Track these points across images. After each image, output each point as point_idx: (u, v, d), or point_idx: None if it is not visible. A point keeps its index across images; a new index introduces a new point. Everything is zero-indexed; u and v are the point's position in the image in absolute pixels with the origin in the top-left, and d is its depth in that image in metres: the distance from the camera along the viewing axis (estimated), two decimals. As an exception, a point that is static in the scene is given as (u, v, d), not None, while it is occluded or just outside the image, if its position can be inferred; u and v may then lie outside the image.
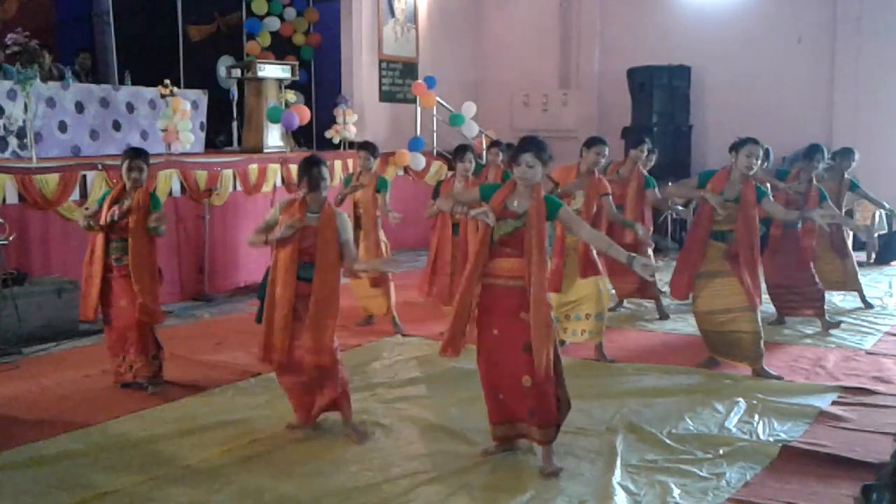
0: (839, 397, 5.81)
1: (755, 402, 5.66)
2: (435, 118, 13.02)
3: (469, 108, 12.52)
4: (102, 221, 5.89)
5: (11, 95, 8.85)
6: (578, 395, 5.76)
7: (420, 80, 12.83)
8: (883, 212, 11.34)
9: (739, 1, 13.25)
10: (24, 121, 8.58)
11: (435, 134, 13.04)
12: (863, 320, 8.09)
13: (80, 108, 9.77)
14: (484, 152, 11.34)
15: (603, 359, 6.73)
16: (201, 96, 11.11)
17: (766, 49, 12.97)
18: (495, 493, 4.33)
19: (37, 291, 7.38)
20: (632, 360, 6.78)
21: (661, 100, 13.16)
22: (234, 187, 9.69)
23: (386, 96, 13.73)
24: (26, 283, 7.40)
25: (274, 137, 11.12)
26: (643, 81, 13.18)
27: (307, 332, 4.98)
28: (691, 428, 5.25)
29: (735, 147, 6.17)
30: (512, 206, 4.60)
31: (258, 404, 5.71)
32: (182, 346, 7.01)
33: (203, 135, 11.08)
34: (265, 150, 10.87)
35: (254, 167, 9.93)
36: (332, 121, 11.94)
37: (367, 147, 7.98)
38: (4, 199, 7.58)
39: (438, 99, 12.67)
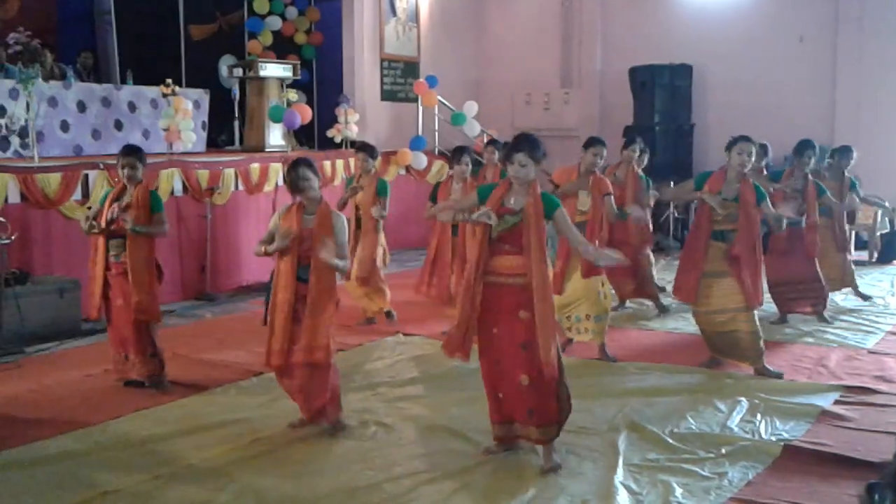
0: (841, 396, 5.80)
1: (757, 401, 5.65)
2: (436, 117, 13.02)
3: (471, 108, 12.52)
4: (103, 220, 5.90)
5: (13, 95, 8.86)
6: (581, 395, 5.76)
7: (422, 80, 12.83)
8: (883, 211, 11.35)
9: (741, 0, 13.23)
10: (25, 120, 8.59)
11: (436, 133, 13.04)
12: (865, 319, 8.08)
13: (81, 107, 9.78)
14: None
15: (606, 358, 6.73)
16: (203, 95, 11.12)
17: (768, 48, 12.97)
18: (497, 493, 4.33)
19: (39, 291, 7.38)
20: (634, 359, 6.78)
21: (662, 99, 13.16)
22: (236, 186, 9.69)
23: (387, 95, 13.74)
24: (28, 282, 7.40)
25: (276, 137, 11.13)
26: (645, 80, 13.18)
27: (303, 331, 5.00)
28: (693, 427, 5.25)
29: (728, 146, 6.19)
30: (509, 203, 4.61)
31: (260, 403, 5.71)
32: (184, 346, 7.02)
33: (205, 134, 11.10)
34: (267, 150, 10.88)
35: (255, 166, 9.94)
36: (334, 120, 11.94)
37: (366, 149, 7.98)
38: (6, 199, 7.58)
39: (440, 98, 12.67)
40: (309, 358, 5.01)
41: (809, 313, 7.91)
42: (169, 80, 10.04)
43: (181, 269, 9.10)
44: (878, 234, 11.36)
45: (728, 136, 6.33)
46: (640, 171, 8.36)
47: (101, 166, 8.24)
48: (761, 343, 6.31)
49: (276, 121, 10.89)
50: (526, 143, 4.60)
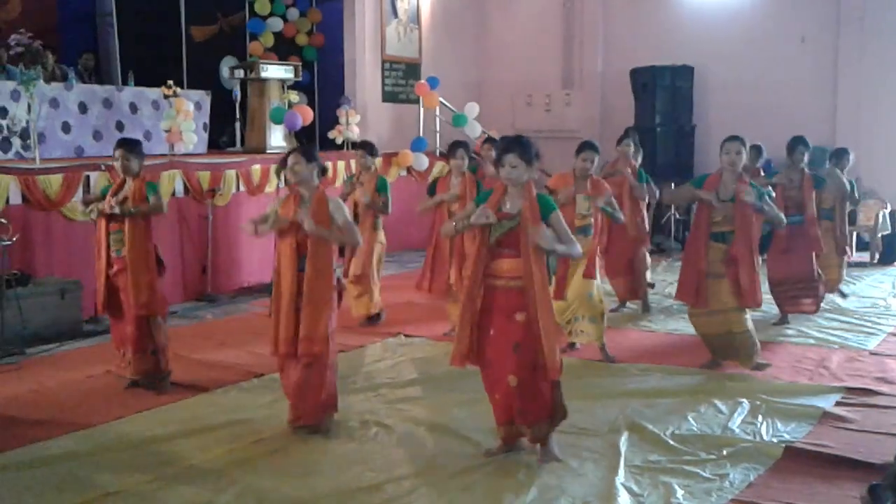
0: (843, 398, 5.79)
1: (758, 402, 5.65)
2: (438, 118, 13.02)
3: (472, 109, 12.52)
4: (104, 209, 5.93)
5: (15, 96, 8.86)
6: (582, 396, 5.78)
7: (423, 81, 12.83)
8: (886, 212, 11.37)
9: (742, 1, 13.24)
10: (27, 121, 8.59)
11: (438, 134, 13.03)
12: (866, 321, 8.08)
13: (83, 108, 9.79)
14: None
15: (606, 358, 6.74)
16: (204, 97, 11.12)
17: (770, 49, 12.96)
18: (498, 494, 4.32)
19: (40, 292, 7.39)
20: (635, 360, 6.77)
21: (664, 100, 13.16)
22: (237, 188, 9.70)
23: (389, 97, 13.74)
24: (30, 283, 7.40)
25: (277, 138, 11.13)
26: (646, 81, 13.18)
27: (301, 320, 5.01)
28: (694, 429, 5.25)
29: (720, 148, 6.23)
30: (505, 207, 4.61)
31: (261, 404, 5.71)
32: (185, 347, 7.01)
33: (206, 135, 11.10)
34: (268, 151, 10.89)
35: (257, 168, 9.94)
36: (335, 121, 11.95)
37: (365, 146, 8.03)
38: (8, 200, 7.58)
39: (441, 99, 12.67)
40: (308, 348, 5.01)
41: (810, 311, 7.90)
42: (170, 82, 10.04)
43: (182, 270, 9.10)
44: (880, 235, 11.37)
45: (729, 137, 6.36)
46: (636, 165, 8.37)
47: (103, 167, 8.24)
48: (756, 344, 6.33)
49: (278, 122, 10.90)
50: (516, 145, 4.60)
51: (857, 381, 6.17)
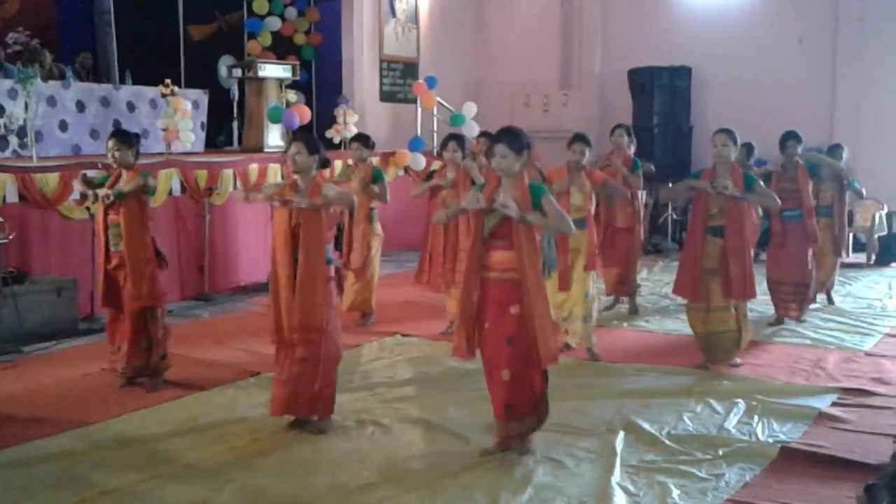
0: (839, 399, 5.80)
1: (754, 402, 5.66)
2: (435, 118, 13.02)
3: (470, 109, 12.51)
4: (101, 199, 5.95)
5: (12, 94, 8.85)
6: (577, 396, 5.80)
7: (421, 80, 12.82)
8: (882, 213, 11.39)
9: (741, 1, 13.25)
10: (24, 120, 8.58)
11: (435, 134, 13.01)
12: (862, 322, 8.09)
13: (80, 107, 9.78)
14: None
15: (591, 356, 6.78)
16: (202, 96, 11.12)
17: (768, 49, 12.97)
18: (494, 493, 4.33)
19: (37, 290, 7.38)
20: (631, 360, 6.78)
21: (662, 100, 13.18)
22: (235, 187, 9.68)
23: (386, 96, 13.74)
24: (26, 281, 7.40)
25: (274, 137, 11.12)
26: (644, 82, 13.20)
27: (295, 309, 5.01)
28: (690, 429, 5.25)
29: (710, 141, 6.31)
30: (498, 198, 4.62)
31: (258, 403, 5.70)
32: (182, 345, 7.00)
33: (203, 134, 11.09)
34: (265, 150, 10.88)
35: (254, 167, 9.93)
36: (333, 121, 11.94)
37: (360, 138, 8.09)
38: (5, 199, 7.57)
39: (439, 99, 12.66)
40: (304, 336, 5.02)
41: (794, 317, 7.90)
42: (168, 81, 10.04)
43: (179, 269, 9.09)
44: (876, 236, 11.39)
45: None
46: (630, 155, 8.40)
47: (100, 166, 8.21)
48: (739, 344, 6.40)
49: (275, 121, 10.89)
50: (505, 135, 4.63)
51: (852, 381, 6.18)
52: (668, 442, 5.01)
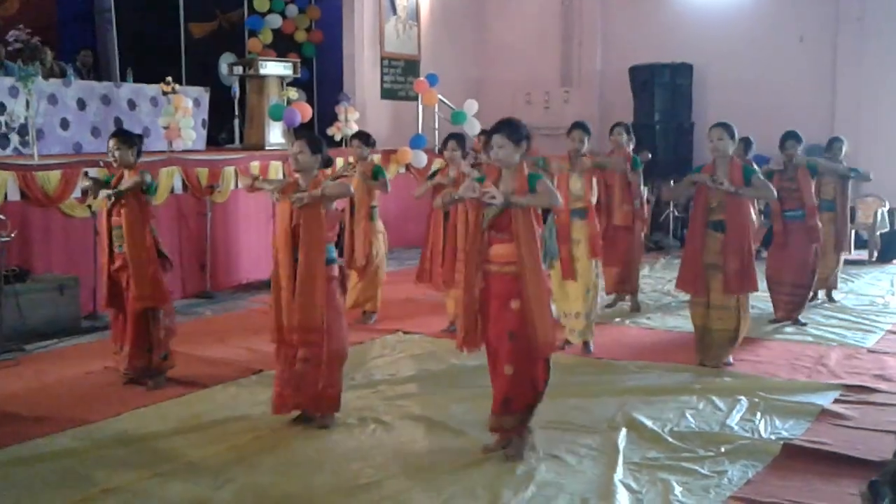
0: (841, 395, 5.80)
1: (757, 399, 5.66)
2: (437, 116, 13.00)
3: (471, 106, 12.50)
4: (103, 201, 5.96)
5: (13, 92, 8.85)
6: (580, 393, 5.80)
7: (422, 78, 12.81)
8: (884, 210, 11.37)
9: (742, -1, 13.26)
10: (25, 118, 8.58)
11: (437, 132, 13.01)
12: (864, 318, 8.08)
13: (81, 105, 9.77)
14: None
15: (585, 350, 6.82)
16: (203, 93, 11.11)
17: (769, 47, 12.97)
18: (497, 491, 4.33)
19: (38, 288, 7.38)
20: (633, 357, 6.77)
21: (663, 98, 13.17)
22: (236, 185, 9.68)
23: (387, 94, 13.73)
24: (28, 279, 7.40)
25: (275, 135, 11.12)
26: (645, 79, 13.19)
27: (295, 309, 5.01)
28: (693, 425, 5.25)
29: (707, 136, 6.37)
30: (489, 189, 4.62)
31: (260, 401, 5.70)
32: (183, 343, 6.98)
33: (205, 132, 11.08)
34: (267, 148, 10.88)
35: (255, 164, 9.92)
36: (334, 118, 11.94)
37: (360, 136, 8.10)
38: (6, 196, 7.57)
39: (440, 96, 12.65)
40: (304, 337, 5.02)
41: (791, 318, 7.86)
42: (169, 78, 10.03)
43: (181, 267, 9.07)
44: (878, 233, 11.38)
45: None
46: (630, 152, 8.40)
47: (101, 164, 8.21)
48: (736, 342, 6.42)
49: (276, 119, 10.89)
50: (503, 126, 4.64)
51: (855, 378, 6.18)
52: (670, 439, 5.01)
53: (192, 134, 9.77)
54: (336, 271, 5.22)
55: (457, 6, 15.00)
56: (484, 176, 4.86)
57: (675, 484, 4.41)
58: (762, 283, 6.98)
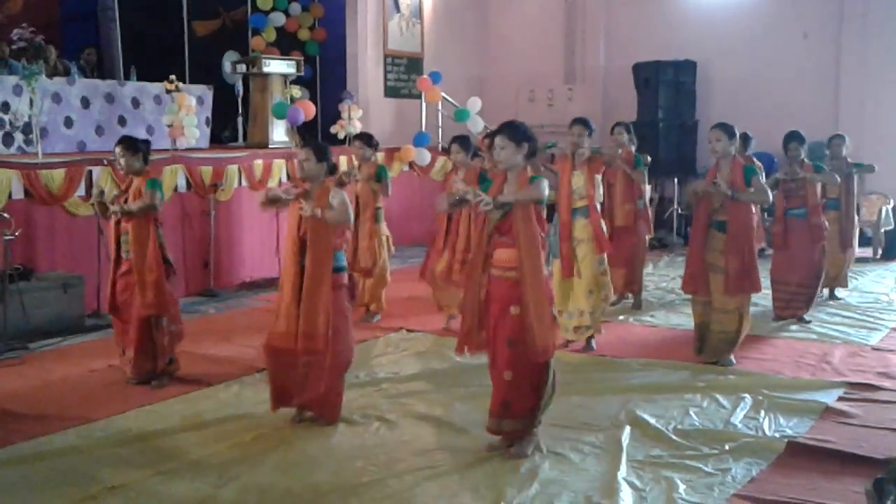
0: (845, 393, 5.79)
1: (761, 397, 5.65)
2: (440, 113, 13.00)
3: (474, 104, 12.49)
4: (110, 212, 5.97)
5: (17, 91, 8.85)
6: (583, 391, 5.79)
7: (425, 76, 12.80)
8: (889, 207, 11.35)
9: (745, -4, 13.23)
10: (29, 116, 8.58)
11: (440, 129, 13.01)
12: (869, 316, 8.07)
13: (85, 103, 9.78)
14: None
15: (586, 348, 6.82)
16: (206, 92, 11.11)
17: (772, 44, 12.94)
18: (500, 489, 4.33)
19: (43, 287, 7.39)
20: (636, 355, 6.77)
21: (666, 95, 13.13)
22: (240, 183, 9.69)
23: (391, 91, 13.72)
24: (32, 278, 7.41)
25: (279, 133, 11.13)
26: (649, 76, 13.16)
27: (300, 316, 5.02)
28: (697, 423, 5.25)
29: None
30: (503, 193, 4.64)
31: (263, 399, 5.67)
32: (187, 342, 6.97)
33: (208, 130, 11.08)
34: (270, 146, 10.88)
35: (259, 162, 9.94)
36: (338, 116, 11.92)
37: (362, 137, 8.08)
38: (10, 195, 7.57)
39: (443, 94, 12.64)
40: (308, 345, 5.03)
41: (798, 315, 7.83)
42: (172, 77, 10.03)
43: (184, 265, 9.08)
44: (882, 230, 11.35)
45: (732, 132, 6.42)
46: (632, 151, 8.39)
47: (105, 162, 8.24)
48: (735, 345, 6.41)
49: (280, 117, 10.89)
50: (504, 127, 4.67)
51: (859, 376, 6.17)
52: (674, 437, 5.00)
53: (195, 132, 9.78)
54: (345, 279, 5.24)
55: (460, 4, 14.99)
56: (491, 181, 4.88)
57: (678, 482, 4.40)
58: (765, 282, 6.99)
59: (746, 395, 5.68)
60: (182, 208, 9.07)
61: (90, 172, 8.20)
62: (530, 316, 4.53)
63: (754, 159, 9.08)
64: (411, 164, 12.25)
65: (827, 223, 7.99)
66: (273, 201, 5.23)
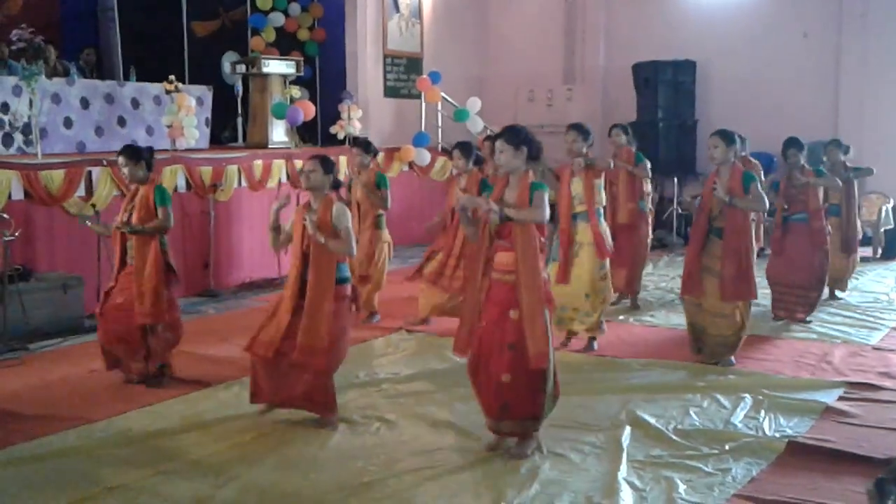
0: (845, 393, 5.79)
1: (761, 397, 5.65)
2: (440, 113, 13.00)
3: (474, 104, 12.49)
4: (118, 224, 5.96)
5: (17, 91, 8.85)
6: (584, 391, 5.79)
7: (425, 76, 12.80)
8: (888, 207, 11.35)
9: (745, -4, 13.23)
10: (29, 117, 8.58)
11: (440, 129, 13.01)
12: (869, 316, 8.07)
13: (85, 103, 9.77)
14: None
15: (587, 348, 6.82)
16: (206, 92, 11.11)
17: (772, 44, 12.94)
18: (500, 489, 4.33)
19: (42, 287, 7.39)
20: (636, 355, 6.77)
21: (666, 95, 13.14)
22: (239, 183, 9.68)
23: (390, 92, 13.71)
24: (32, 278, 7.41)
25: (279, 133, 11.13)
26: (648, 76, 13.16)
27: (300, 329, 5.02)
28: (697, 423, 5.24)
29: None
30: (505, 197, 4.65)
31: (263, 400, 5.71)
32: (187, 342, 6.96)
33: (208, 131, 11.08)
34: (270, 146, 10.88)
35: (258, 163, 9.93)
36: (337, 116, 11.92)
37: (360, 143, 8.04)
38: (10, 195, 7.56)
39: (443, 94, 12.64)
40: (306, 358, 5.02)
41: (800, 319, 7.82)
42: (172, 77, 10.03)
43: (184, 266, 9.05)
44: (882, 230, 11.36)
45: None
46: (632, 150, 8.39)
47: (105, 163, 8.23)
48: (735, 349, 6.42)
49: (280, 117, 10.89)
50: (504, 132, 4.70)
51: (859, 375, 6.17)
52: (674, 437, 5.00)
53: (195, 133, 9.77)
54: (348, 290, 5.24)
55: (459, 3, 14.98)
56: (492, 187, 4.90)
57: (678, 482, 4.40)
58: (765, 281, 6.98)
59: (746, 395, 5.68)
60: (182, 209, 9.05)
61: (89, 173, 8.19)
62: (525, 321, 4.53)
63: (751, 159, 9.09)
64: (411, 165, 12.25)
65: (830, 229, 7.99)
66: (275, 229, 5.27)
